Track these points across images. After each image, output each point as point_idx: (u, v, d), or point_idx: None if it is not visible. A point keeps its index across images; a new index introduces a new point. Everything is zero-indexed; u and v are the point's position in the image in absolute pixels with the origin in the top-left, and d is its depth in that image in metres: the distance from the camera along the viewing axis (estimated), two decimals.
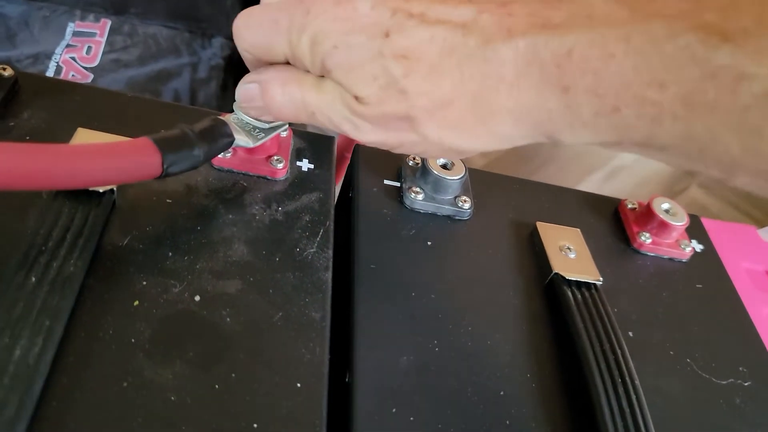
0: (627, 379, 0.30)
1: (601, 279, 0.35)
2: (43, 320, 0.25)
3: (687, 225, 0.40)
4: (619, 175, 1.19)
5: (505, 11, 0.24)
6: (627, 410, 0.29)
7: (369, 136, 0.28)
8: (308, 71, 0.28)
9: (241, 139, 0.32)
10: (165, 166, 0.28)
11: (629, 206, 0.43)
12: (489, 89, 0.25)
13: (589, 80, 0.22)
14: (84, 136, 0.32)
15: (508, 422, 0.29)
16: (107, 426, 0.23)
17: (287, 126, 0.36)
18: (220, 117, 0.32)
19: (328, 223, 0.34)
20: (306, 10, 0.26)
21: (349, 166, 0.41)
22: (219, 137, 0.31)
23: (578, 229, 0.39)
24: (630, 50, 0.21)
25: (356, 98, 0.27)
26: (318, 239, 0.33)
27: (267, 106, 0.30)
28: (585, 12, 0.22)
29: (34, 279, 0.26)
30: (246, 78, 0.31)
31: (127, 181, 0.28)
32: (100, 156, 0.27)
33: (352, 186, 0.38)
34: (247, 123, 0.33)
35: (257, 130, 0.33)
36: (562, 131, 0.25)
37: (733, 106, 0.20)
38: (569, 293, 0.34)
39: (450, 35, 0.24)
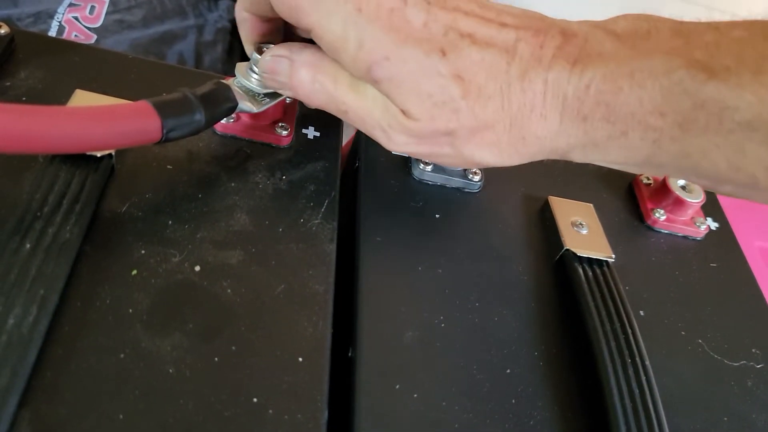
0: (637, 359, 0.30)
1: (613, 256, 0.34)
2: (38, 288, 0.24)
3: (703, 202, 0.39)
4: None
5: (538, 42, 0.26)
6: (636, 391, 0.29)
7: (400, 146, 0.29)
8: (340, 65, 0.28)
9: (245, 105, 0.31)
10: (165, 131, 0.27)
11: (644, 182, 0.42)
12: (523, 117, 0.27)
13: (603, 110, 0.26)
14: (82, 98, 0.31)
15: (513, 401, 0.28)
16: (103, 398, 0.23)
17: None
18: (223, 81, 0.31)
19: (333, 193, 0.33)
20: (357, 6, 0.25)
21: (356, 134, 0.39)
22: (221, 102, 0.30)
23: (591, 205, 0.38)
24: (634, 84, 0.25)
25: (403, 112, 0.27)
26: (323, 210, 0.32)
27: (293, 87, 0.29)
28: (597, 50, 0.26)
29: (28, 245, 0.25)
30: (277, 50, 0.29)
31: (126, 145, 0.27)
32: (97, 119, 0.26)
33: (358, 155, 0.37)
34: (251, 89, 0.31)
35: (261, 96, 0.32)
36: (576, 152, 0.28)
37: (720, 131, 0.24)
38: (580, 270, 0.33)
39: (497, 60, 0.26)
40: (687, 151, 0.26)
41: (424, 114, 0.27)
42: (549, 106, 0.26)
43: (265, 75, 0.30)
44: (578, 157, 0.29)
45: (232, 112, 0.31)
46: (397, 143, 0.29)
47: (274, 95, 0.32)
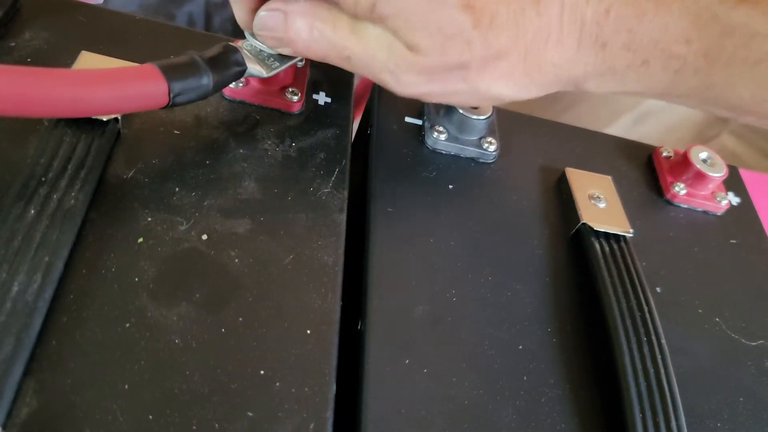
0: (653, 338, 0.29)
1: (631, 231, 0.33)
2: (43, 255, 0.23)
3: (725, 177, 0.38)
4: (649, 119, 1.14)
5: None
6: (651, 370, 0.28)
7: (409, 87, 0.28)
8: (341, 10, 0.26)
9: (254, 68, 0.30)
10: (171, 95, 0.26)
11: (664, 154, 0.40)
12: (538, 44, 0.26)
13: (624, 37, 0.25)
14: (87, 60, 0.30)
15: (525, 378, 0.27)
16: (108, 368, 0.22)
17: None
18: (232, 44, 0.30)
19: (344, 161, 0.32)
20: None
21: (369, 101, 0.38)
22: (230, 65, 0.29)
23: (609, 177, 0.37)
24: (660, 8, 0.24)
25: (409, 48, 0.26)
26: (333, 179, 0.31)
27: (290, 39, 0.28)
28: None
29: (33, 211, 0.24)
30: (269, 4, 0.28)
31: (131, 110, 0.26)
32: (101, 82, 0.25)
33: (370, 122, 0.36)
34: (261, 51, 0.30)
35: (271, 59, 0.31)
36: (592, 81, 0.27)
37: (747, 61, 0.23)
38: (596, 245, 0.32)
39: None
40: (710, 82, 0.25)
41: (434, 48, 0.25)
42: (566, 31, 0.25)
43: (261, 33, 0.29)
44: (594, 86, 0.28)
45: (240, 76, 0.30)
46: (407, 84, 0.27)
47: (284, 59, 0.31)
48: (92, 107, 0.25)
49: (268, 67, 0.30)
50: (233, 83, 0.31)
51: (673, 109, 1.16)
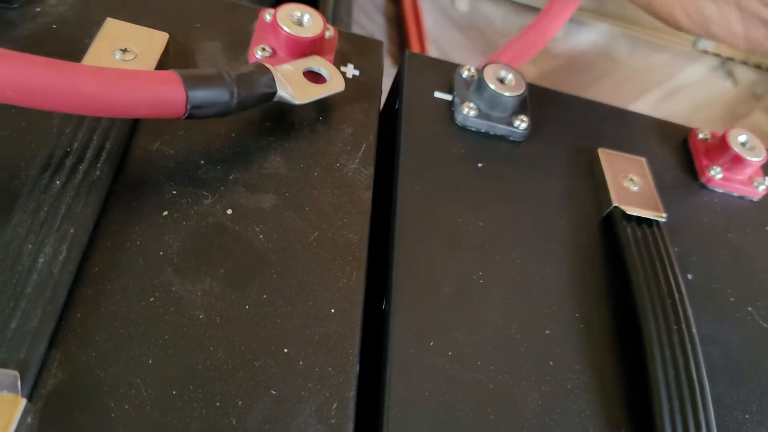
0: (683, 326, 0.28)
1: (664, 216, 0.33)
2: (68, 227, 0.23)
3: (764, 161, 0.37)
4: (677, 95, 1.11)
5: None
6: (680, 359, 0.27)
7: None
8: None
9: (285, 94, 0.29)
10: (189, 107, 0.25)
11: (700, 136, 0.39)
12: None
13: None
14: (112, 28, 0.30)
15: (551, 363, 0.27)
16: (133, 342, 0.22)
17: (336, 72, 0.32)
18: (266, 65, 0.29)
19: (371, 137, 0.32)
20: None
21: (397, 74, 0.37)
22: (258, 86, 0.28)
23: (643, 159, 0.36)
24: None
25: None
26: (360, 154, 0.31)
27: None
28: None
29: (58, 182, 0.24)
30: None
31: (143, 115, 0.25)
32: (116, 83, 0.23)
33: (399, 96, 0.35)
34: (299, 78, 0.30)
35: (307, 87, 0.30)
36: None
37: None
38: (628, 230, 0.32)
39: None
40: None
41: None
42: None
43: None
44: None
45: (269, 100, 0.29)
46: None
47: (319, 89, 0.30)
48: (105, 107, 0.24)
49: (302, 95, 0.30)
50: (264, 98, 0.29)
51: (704, 86, 1.13)
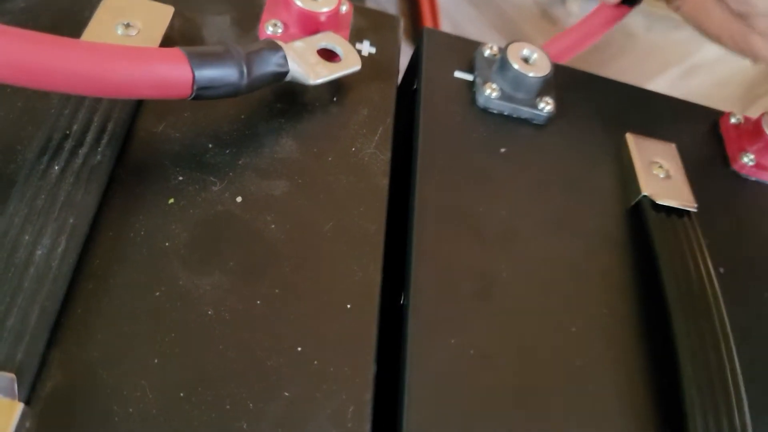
0: (717, 325, 0.27)
1: (695, 206, 0.31)
2: (67, 216, 0.22)
3: None
4: (698, 73, 1.08)
5: None
6: (713, 359, 0.26)
7: None
8: None
9: (298, 72, 0.27)
10: (195, 87, 0.23)
11: (732, 120, 0.37)
12: None
13: None
14: (115, 1, 0.28)
15: (578, 362, 0.26)
16: (137, 340, 0.21)
17: (354, 52, 0.30)
18: (278, 42, 0.27)
19: (388, 120, 0.30)
20: None
21: (414, 52, 0.35)
22: (270, 66, 0.26)
23: (673, 144, 0.34)
24: None
25: None
26: (376, 138, 0.29)
27: None
28: None
29: (57, 168, 0.23)
30: None
31: (147, 96, 0.23)
32: (117, 60, 0.21)
33: (417, 76, 0.33)
34: (312, 56, 0.28)
35: (320, 66, 0.28)
36: None
37: None
38: (658, 220, 0.30)
39: None
40: None
41: None
42: None
43: None
44: None
45: (281, 79, 0.27)
46: None
47: (333, 67, 0.29)
48: (105, 88, 0.22)
49: (316, 74, 0.28)
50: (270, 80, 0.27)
51: (725, 64, 1.10)
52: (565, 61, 0.38)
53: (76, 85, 0.21)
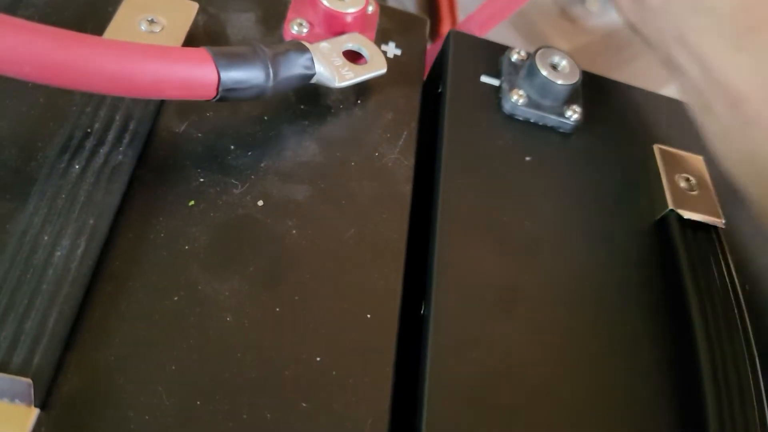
0: (743, 347, 0.26)
1: (723, 221, 0.30)
2: (87, 217, 0.21)
3: None
4: None
5: None
6: (733, 377, 0.25)
7: None
8: None
9: (324, 75, 0.27)
10: (221, 89, 0.23)
11: None
12: None
13: None
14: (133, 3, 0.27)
15: (601, 381, 0.25)
16: (155, 345, 0.21)
17: (381, 57, 0.29)
18: (304, 43, 0.26)
19: (413, 124, 0.29)
20: None
21: (439, 54, 0.35)
22: (296, 67, 0.25)
23: (701, 157, 0.33)
24: None
25: None
26: (400, 143, 0.28)
27: None
28: None
29: (78, 166, 0.22)
30: None
31: (170, 96, 0.23)
32: (140, 59, 0.21)
33: (442, 79, 0.32)
34: (338, 57, 0.27)
35: (346, 68, 0.27)
36: None
37: None
38: (684, 235, 0.29)
39: None
40: None
41: None
42: None
43: None
44: None
45: (307, 81, 0.26)
46: None
47: (360, 70, 0.28)
48: (129, 88, 0.22)
49: (341, 77, 0.27)
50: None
51: None
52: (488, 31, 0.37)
53: (101, 84, 0.20)
